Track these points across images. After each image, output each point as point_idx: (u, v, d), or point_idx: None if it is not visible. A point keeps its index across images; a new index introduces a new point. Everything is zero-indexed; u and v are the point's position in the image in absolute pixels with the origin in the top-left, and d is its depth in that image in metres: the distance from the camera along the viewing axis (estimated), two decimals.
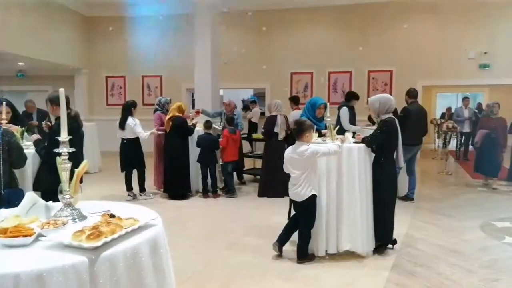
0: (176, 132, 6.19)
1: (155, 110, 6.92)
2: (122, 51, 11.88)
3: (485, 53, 9.80)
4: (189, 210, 5.87)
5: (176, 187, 6.35)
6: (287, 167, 3.71)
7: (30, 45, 9.32)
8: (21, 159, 3.04)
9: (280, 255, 3.87)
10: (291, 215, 3.94)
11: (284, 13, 10.96)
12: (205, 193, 6.44)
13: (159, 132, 6.43)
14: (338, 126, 4.50)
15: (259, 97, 12.12)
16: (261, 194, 6.46)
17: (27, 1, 9.22)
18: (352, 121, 6.38)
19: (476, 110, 10.65)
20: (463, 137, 10.35)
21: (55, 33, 10.33)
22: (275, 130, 6.32)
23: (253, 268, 3.72)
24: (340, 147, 3.68)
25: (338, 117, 6.25)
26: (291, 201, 3.83)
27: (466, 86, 12.97)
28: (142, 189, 6.43)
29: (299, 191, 3.64)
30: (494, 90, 13.18)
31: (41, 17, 9.73)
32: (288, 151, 3.71)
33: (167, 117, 6.32)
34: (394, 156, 4.00)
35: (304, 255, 3.78)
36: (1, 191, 2.79)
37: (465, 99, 10.73)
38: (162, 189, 6.63)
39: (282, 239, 3.85)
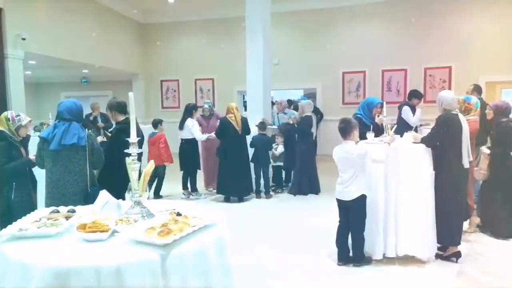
0: (244, 133, 6.30)
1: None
2: (176, 56, 12.32)
3: None
4: (241, 210, 5.94)
5: (240, 188, 6.29)
6: (338, 166, 3.66)
7: (92, 53, 9.94)
8: (100, 161, 3.27)
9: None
10: (339, 220, 3.79)
11: (334, 11, 10.79)
12: (258, 194, 6.50)
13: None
14: (396, 125, 4.33)
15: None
16: (295, 192, 6.66)
17: (89, 13, 9.85)
18: None
19: None
20: None
21: (114, 41, 10.95)
22: (312, 130, 6.63)
23: (309, 270, 3.69)
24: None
25: (399, 117, 6.04)
26: (338, 201, 3.72)
27: None
28: (193, 189, 6.59)
29: (347, 190, 3.56)
30: None
31: (101, 26, 10.34)
32: (337, 150, 3.65)
33: (236, 118, 6.22)
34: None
35: (360, 258, 3.69)
36: (88, 189, 3.06)
37: None
38: (212, 189, 6.81)
39: (343, 254, 3.73)
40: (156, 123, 6.65)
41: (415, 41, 10.08)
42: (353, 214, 3.63)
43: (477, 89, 5.87)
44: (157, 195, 6.54)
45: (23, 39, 7.54)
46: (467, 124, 3.75)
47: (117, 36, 11.12)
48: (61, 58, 8.99)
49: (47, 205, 2.95)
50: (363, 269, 3.63)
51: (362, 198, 3.57)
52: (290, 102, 9.00)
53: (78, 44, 9.36)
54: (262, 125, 6.48)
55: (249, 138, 6.43)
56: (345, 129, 3.61)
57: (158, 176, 6.44)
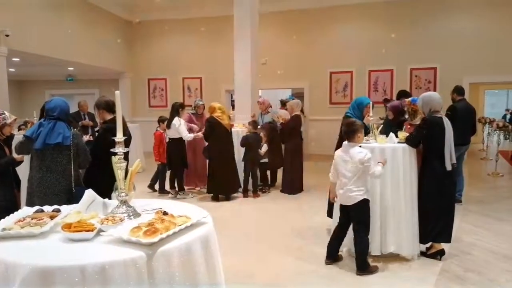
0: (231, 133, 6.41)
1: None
2: (164, 54, 12.23)
3: None
4: (229, 209, 5.94)
5: (229, 187, 6.36)
6: (337, 169, 3.54)
7: (78, 51, 9.80)
8: (86, 160, 3.23)
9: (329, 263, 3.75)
10: (338, 223, 3.73)
11: (322, 11, 10.86)
12: (245, 193, 6.51)
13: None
14: (383, 125, 4.38)
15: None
16: (285, 191, 6.74)
17: (75, 10, 9.71)
18: None
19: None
20: None
21: (100, 39, 10.81)
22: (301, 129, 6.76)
23: (295, 269, 3.71)
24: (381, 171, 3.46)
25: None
26: (341, 206, 3.63)
27: None
28: (180, 188, 6.56)
29: (350, 194, 3.45)
30: None
31: (87, 23, 10.21)
32: (339, 153, 3.55)
33: (225, 118, 6.27)
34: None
35: (364, 267, 3.50)
36: (73, 188, 3.04)
37: None
38: (199, 188, 6.92)
39: (332, 252, 3.73)
40: (158, 121, 6.84)
41: (401, 42, 10.21)
42: (354, 218, 3.52)
43: (456, 91, 5.91)
44: (150, 187, 6.91)
45: (7, 35, 7.40)
46: (451, 127, 3.81)
47: (103, 34, 10.99)
48: (46, 56, 8.85)
49: (29, 203, 2.91)
50: (347, 268, 3.65)
51: (364, 202, 3.47)
52: (283, 102, 9.00)
53: (63, 41, 9.22)
54: (254, 124, 6.53)
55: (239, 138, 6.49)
56: (349, 132, 3.49)
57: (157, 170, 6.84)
